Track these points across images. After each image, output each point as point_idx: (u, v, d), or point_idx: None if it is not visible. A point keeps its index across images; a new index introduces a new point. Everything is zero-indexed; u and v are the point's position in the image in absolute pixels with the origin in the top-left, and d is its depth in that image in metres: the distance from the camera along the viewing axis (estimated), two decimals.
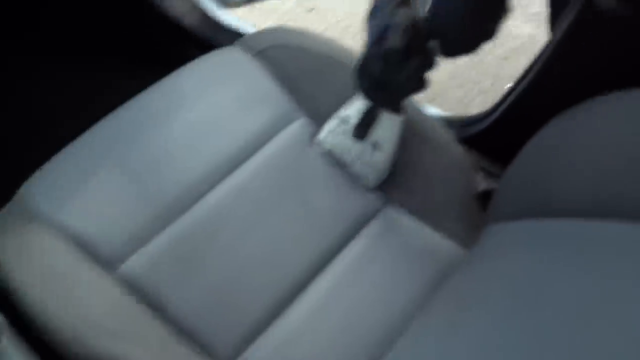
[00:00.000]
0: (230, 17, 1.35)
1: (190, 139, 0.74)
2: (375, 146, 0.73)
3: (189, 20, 1.30)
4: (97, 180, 0.69)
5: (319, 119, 0.78)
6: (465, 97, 1.71)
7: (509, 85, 1.73)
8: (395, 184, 0.74)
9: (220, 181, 0.71)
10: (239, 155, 0.73)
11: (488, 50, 1.92)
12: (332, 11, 2.22)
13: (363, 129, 0.72)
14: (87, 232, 0.65)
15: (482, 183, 0.75)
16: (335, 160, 0.75)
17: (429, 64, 0.65)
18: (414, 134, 0.76)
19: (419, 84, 0.66)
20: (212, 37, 1.29)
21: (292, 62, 0.82)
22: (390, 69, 0.64)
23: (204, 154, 0.73)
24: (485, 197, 0.73)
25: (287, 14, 2.20)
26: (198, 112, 0.76)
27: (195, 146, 0.73)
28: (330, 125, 0.76)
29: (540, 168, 0.60)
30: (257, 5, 2.15)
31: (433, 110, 1.15)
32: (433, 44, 0.64)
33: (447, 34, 0.62)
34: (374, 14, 0.65)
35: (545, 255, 0.50)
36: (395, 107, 0.71)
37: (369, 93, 0.69)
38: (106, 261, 0.64)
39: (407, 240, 0.71)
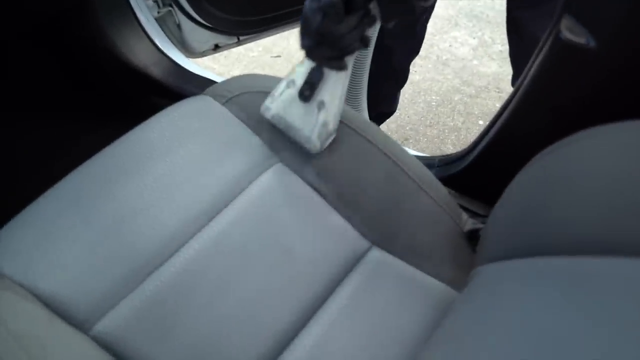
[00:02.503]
0: (198, 67, 1.35)
1: (163, 191, 0.70)
2: (320, 106, 0.73)
3: (155, 70, 1.29)
4: (65, 239, 0.66)
5: (294, 164, 0.76)
6: (438, 136, 1.72)
7: (481, 122, 1.75)
8: (380, 226, 0.72)
9: (195, 234, 0.68)
10: (214, 205, 0.70)
11: (456, 90, 1.95)
12: (299, 57, 2.24)
13: (308, 90, 0.73)
14: (57, 293, 0.61)
15: (468, 223, 0.73)
16: (283, 125, 0.75)
17: (368, 22, 0.67)
18: (397, 175, 0.75)
19: (361, 41, 0.68)
20: (180, 87, 1.28)
21: None
22: (329, 23, 0.65)
23: (178, 206, 0.70)
24: (472, 238, 0.71)
25: (254, 62, 2.22)
26: (169, 162, 0.73)
27: (168, 198, 0.70)
28: (278, 90, 0.76)
29: (529, 206, 0.59)
30: (224, 54, 2.16)
31: (410, 151, 1.14)
32: (373, 5, 0.66)
33: None
34: None
35: (540, 294, 0.48)
36: (338, 64, 0.71)
37: (311, 50, 0.70)
38: (79, 322, 0.60)
39: (395, 284, 0.68)
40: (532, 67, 0.74)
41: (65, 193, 0.71)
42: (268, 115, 0.77)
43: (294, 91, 0.74)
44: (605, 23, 0.62)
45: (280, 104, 0.76)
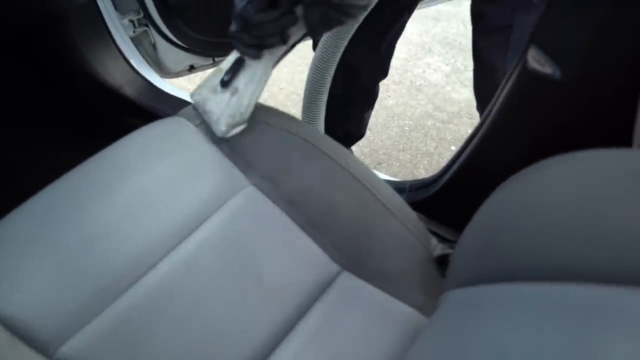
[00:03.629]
0: (172, 87, 1.35)
1: (133, 211, 0.70)
2: (234, 92, 0.78)
3: (130, 90, 1.29)
4: (31, 259, 0.64)
5: (265, 187, 0.75)
6: (411, 161, 1.74)
7: (453, 147, 1.78)
8: (350, 250, 0.72)
9: (165, 255, 0.67)
10: (184, 227, 0.70)
11: (429, 115, 1.98)
12: (274, 80, 2.26)
13: (229, 76, 0.78)
14: (20, 315, 0.60)
15: (437, 248, 0.74)
16: (201, 109, 0.80)
17: (289, 20, 0.71)
18: (368, 199, 0.75)
19: (281, 37, 0.73)
20: (154, 107, 1.28)
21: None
22: (250, 8, 0.69)
23: (148, 226, 0.69)
24: (441, 263, 0.72)
25: None
26: (141, 182, 0.73)
27: (138, 219, 0.69)
28: (208, 77, 0.81)
29: (496, 232, 0.59)
30: (199, 75, 2.16)
31: (381, 175, 1.14)
32: (299, 10, 0.71)
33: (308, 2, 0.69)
34: None
35: (508, 320, 0.49)
36: (253, 52, 0.75)
37: (234, 34, 0.73)
38: (43, 345, 0.59)
39: (365, 309, 0.68)
40: (501, 95, 0.75)
41: (33, 212, 0.70)
42: (193, 99, 0.81)
43: (218, 78, 0.79)
44: (570, 54, 0.64)
45: (204, 89, 0.80)
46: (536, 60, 0.65)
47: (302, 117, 1.18)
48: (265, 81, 0.79)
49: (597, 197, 0.51)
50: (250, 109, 0.79)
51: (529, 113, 0.72)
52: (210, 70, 1.96)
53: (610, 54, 0.62)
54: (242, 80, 0.78)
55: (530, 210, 0.57)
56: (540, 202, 0.56)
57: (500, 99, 0.74)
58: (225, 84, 0.78)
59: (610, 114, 0.66)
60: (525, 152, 0.70)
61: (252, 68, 0.77)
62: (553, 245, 0.52)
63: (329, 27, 0.71)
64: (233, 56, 0.79)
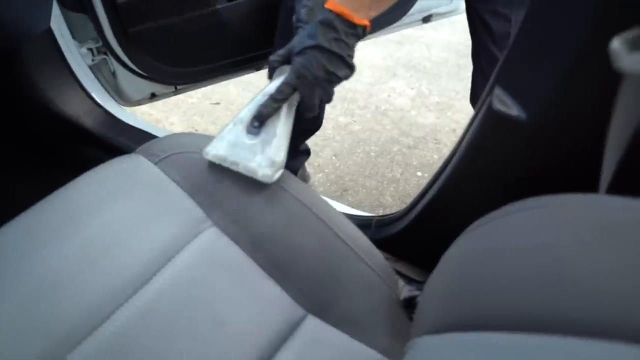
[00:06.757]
0: (132, 116, 1.32)
1: (88, 258, 0.67)
2: (270, 136, 0.77)
3: (88, 120, 1.25)
4: None
5: (228, 228, 0.73)
6: (377, 188, 1.73)
7: (419, 173, 1.77)
8: (315, 293, 0.70)
9: (123, 303, 0.64)
10: (143, 272, 0.67)
11: (395, 141, 1.98)
12: (238, 104, 2.24)
13: (257, 122, 0.77)
14: None
15: (404, 290, 0.72)
16: (228, 163, 0.76)
17: None
18: (332, 240, 0.74)
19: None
20: (113, 138, 1.24)
21: (198, 169, 0.78)
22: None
23: (104, 273, 0.66)
24: (408, 306, 0.70)
25: (193, 108, 2.19)
26: (97, 226, 0.70)
27: (93, 266, 0.66)
28: (223, 132, 0.79)
29: (462, 279, 0.58)
30: (161, 101, 2.13)
31: (346, 209, 1.13)
32: None
33: None
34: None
35: None
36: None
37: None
38: None
39: (330, 354, 0.66)
40: (467, 135, 0.75)
41: None
42: (209, 156, 0.77)
43: (240, 127, 0.78)
44: (535, 97, 0.64)
45: (226, 143, 0.77)
46: (501, 102, 0.65)
47: None
48: (292, 121, 0.81)
49: (562, 245, 0.51)
50: (286, 150, 0.78)
51: (495, 154, 0.72)
52: (173, 98, 1.93)
53: (577, 96, 0.61)
54: (275, 124, 0.78)
55: (495, 256, 0.56)
56: (505, 248, 0.55)
57: (467, 139, 0.74)
58: (255, 130, 0.77)
59: (577, 157, 0.65)
60: (492, 194, 0.70)
61: (281, 110, 0.78)
62: (518, 294, 0.51)
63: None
64: (251, 104, 0.79)
